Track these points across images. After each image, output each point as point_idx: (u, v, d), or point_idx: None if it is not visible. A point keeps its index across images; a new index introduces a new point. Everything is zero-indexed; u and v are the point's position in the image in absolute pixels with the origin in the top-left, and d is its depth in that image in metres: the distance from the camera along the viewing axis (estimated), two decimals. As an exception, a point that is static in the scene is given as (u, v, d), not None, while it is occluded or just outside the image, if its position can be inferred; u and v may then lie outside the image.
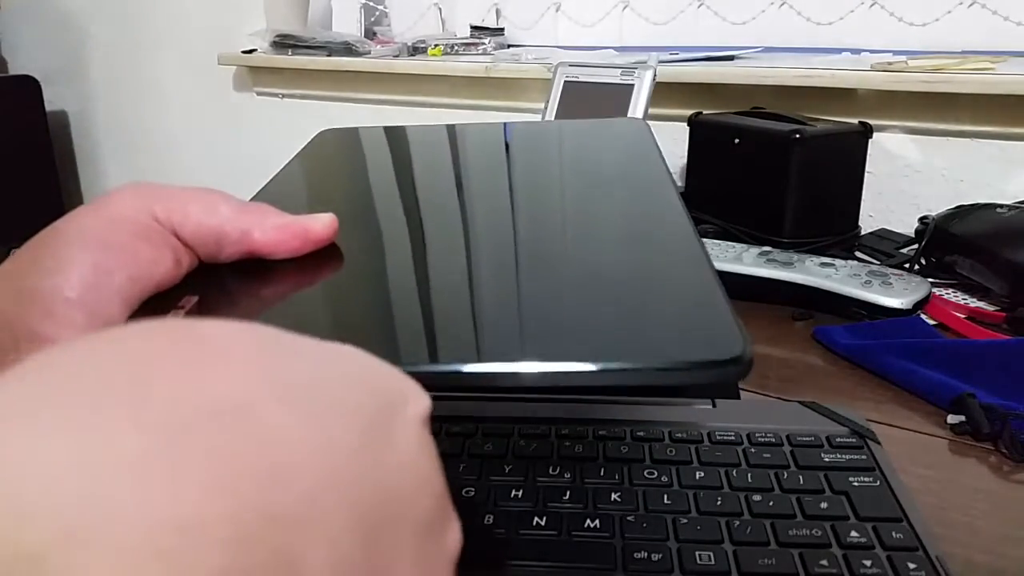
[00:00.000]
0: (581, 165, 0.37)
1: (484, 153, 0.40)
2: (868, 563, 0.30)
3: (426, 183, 0.36)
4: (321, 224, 0.26)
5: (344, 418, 0.15)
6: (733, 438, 0.39)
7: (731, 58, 0.93)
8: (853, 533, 0.32)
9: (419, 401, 0.18)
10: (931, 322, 0.57)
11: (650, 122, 0.72)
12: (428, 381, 0.20)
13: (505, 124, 0.43)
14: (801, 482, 0.36)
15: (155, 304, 0.24)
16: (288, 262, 0.26)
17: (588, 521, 0.33)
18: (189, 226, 0.25)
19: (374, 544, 0.15)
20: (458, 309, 0.24)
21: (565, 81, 0.78)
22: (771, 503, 0.34)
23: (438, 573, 0.17)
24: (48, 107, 1.57)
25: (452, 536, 0.18)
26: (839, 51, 0.93)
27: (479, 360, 0.22)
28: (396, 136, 0.42)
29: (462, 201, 0.34)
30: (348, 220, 0.28)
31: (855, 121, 0.74)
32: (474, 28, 1.21)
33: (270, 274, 0.26)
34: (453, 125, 0.43)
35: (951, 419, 0.44)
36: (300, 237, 0.26)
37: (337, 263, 0.26)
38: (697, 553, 0.31)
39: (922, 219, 0.70)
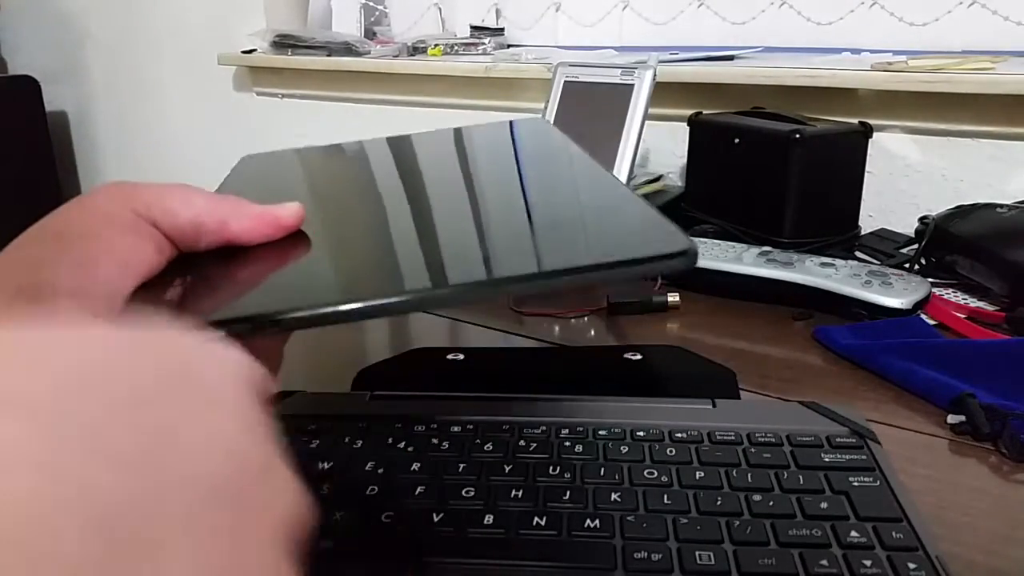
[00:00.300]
0: (497, 157, 0.41)
1: (424, 158, 0.42)
2: (868, 563, 0.30)
3: (365, 183, 0.39)
4: (289, 212, 0.29)
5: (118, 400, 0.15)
6: (733, 438, 0.39)
7: (731, 58, 0.93)
8: (853, 533, 0.32)
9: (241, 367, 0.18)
10: (931, 322, 0.57)
11: (650, 122, 0.72)
12: (417, 301, 0.23)
13: (411, 136, 0.45)
14: (801, 482, 0.36)
15: (142, 292, 0.25)
16: (258, 246, 0.28)
17: (588, 521, 0.33)
18: (169, 219, 0.27)
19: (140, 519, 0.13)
20: (431, 248, 0.27)
21: (565, 81, 0.78)
22: (771, 503, 0.34)
23: (250, 549, 0.15)
24: (48, 107, 1.57)
25: (276, 507, 0.16)
26: (839, 51, 0.93)
27: (468, 275, 0.25)
28: (320, 155, 0.44)
29: (410, 188, 0.36)
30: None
31: (855, 121, 0.74)
32: (474, 28, 1.21)
33: (243, 258, 0.28)
34: (382, 139, 0.45)
35: (951, 419, 0.44)
36: (272, 225, 0.28)
37: (305, 244, 0.29)
38: (697, 553, 0.31)
39: (922, 219, 0.70)
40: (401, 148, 0.43)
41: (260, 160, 0.43)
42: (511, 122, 0.45)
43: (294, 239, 0.29)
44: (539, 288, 0.24)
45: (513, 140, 0.43)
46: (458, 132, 0.45)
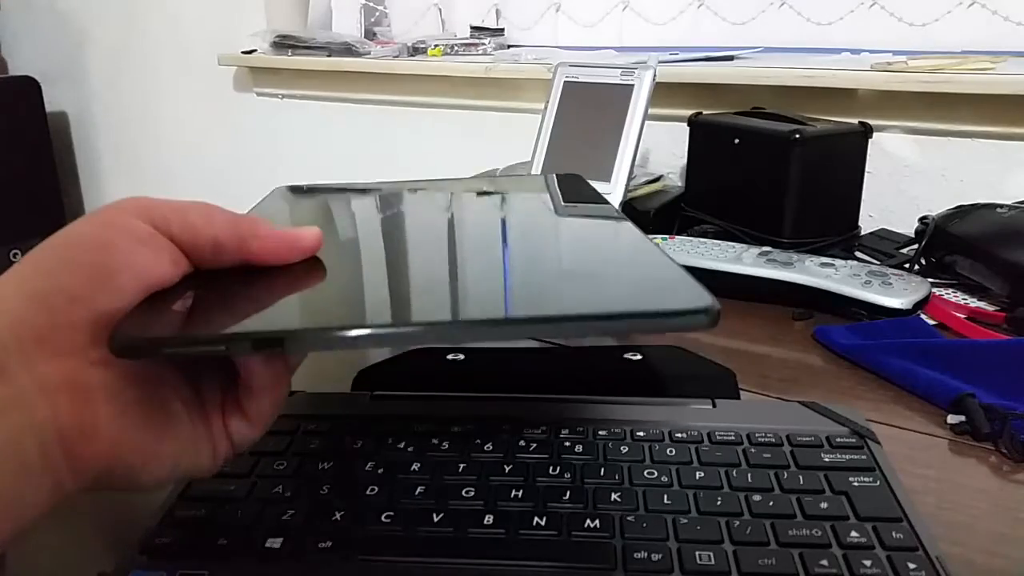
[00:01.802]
0: (522, 205, 0.42)
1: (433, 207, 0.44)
2: (868, 563, 0.30)
3: (391, 221, 0.40)
4: (309, 235, 0.29)
5: None
6: (733, 438, 0.39)
7: (731, 58, 0.93)
8: (853, 533, 0.32)
9: None
10: (931, 322, 0.57)
11: (650, 122, 0.72)
12: (423, 333, 0.24)
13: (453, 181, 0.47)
14: (801, 482, 0.36)
15: (153, 299, 0.25)
16: (275, 268, 0.28)
17: (588, 521, 0.33)
18: (188, 234, 0.27)
19: None
20: (446, 286, 0.28)
21: (565, 81, 0.78)
22: (771, 503, 0.34)
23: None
24: (48, 107, 1.57)
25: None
26: (839, 51, 0.93)
27: (490, 313, 0.25)
28: (354, 195, 0.44)
29: (429, 233, 0.37)
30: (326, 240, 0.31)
31: (855, 121, 0.74)
32: (474, 28, 1.21)
33: (258, 278, 0.28)
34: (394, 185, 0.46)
35: (951, 419, 0.44)
36: (291, 247, 0.28)
37: (320, 271, 0.29)
38: (697, 553, 0.31)
39: (922, 219, 0.70)
40: (432, 193, 0.44)
41: (291, 193, 0.43)
42: (547, 176, 0.46)
43: (310, 265, 0.29)
44: (551, 332, 0.24)
45: (547, 191, 0.44)
46: (491, 180, 0.45)
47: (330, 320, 0.25)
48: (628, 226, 0.34)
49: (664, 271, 0.28)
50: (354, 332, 0.23)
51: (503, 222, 0.37)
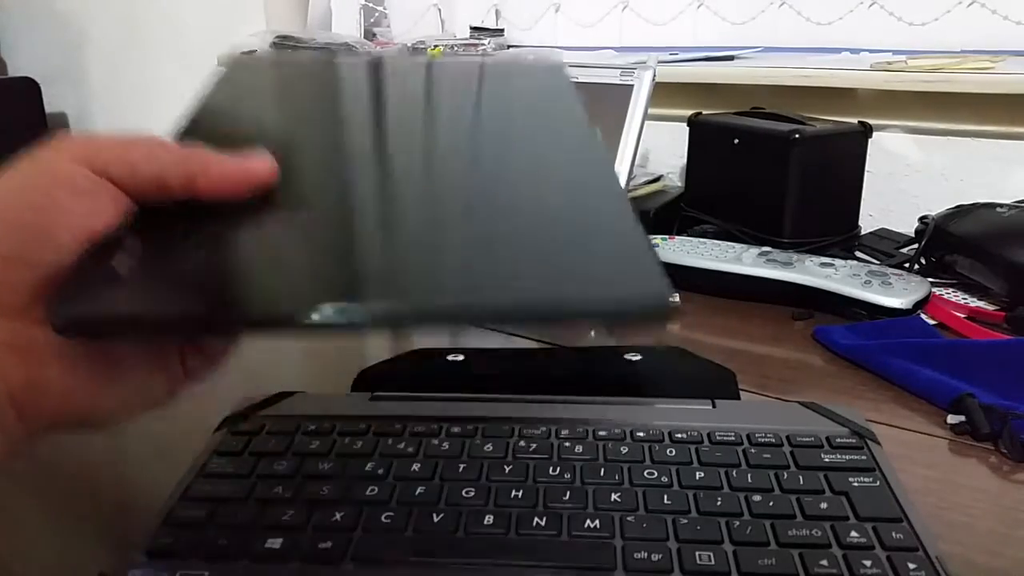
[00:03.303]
0: (500, 106, 0.37)
1: (406, 91, 0.39)
2: (868, 563, 0.30)
3: (348, 120, 0.36)
4: (261, 171, 0.27)
5: None
6: (733, 438, 0.39)
7: (731, 58, 0.93)
8: (853, 533, 0.32)
9: None
10: (931, 322, 0.57)
11: (650, 122, 0.72)
12: (358, 320, 0.21)
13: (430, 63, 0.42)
14: (801, 482, 0.36)
15: (93, 253, 0.24)
16: (222, 205, 0.27)
17: (588, 521, 0.33)
18: (129, 176, 0.25)
19: None
20: (394, 251, 0.25)
21: (565, 81, 0.78)
22: (771, 503, 0.34)
23: None
24: (48, 108, 1.57)
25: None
26: (839, 51, 0.93)
27: (437, 294, 0.22)
28: (313, 69, 0.41)
29: (383, 141, 0.33)
30: (279, 157, 0.28)
31: (855, 121, 0.74)
32: (474, 29, 1.21)
33: (202, 223, 0.26)
34: (375, 59, 0.42)
35: (951, 419, 0.44)
36: (243, 183, 0.27)
37: (272, 204, 0.27)
38: (697, 553, 0.31)
39: (922, 219, 0.70)
40: (397, 79, 0.39)
41: (251, 70, 0.39)
42: (529, 64, 0.42)
43: (262, 201, 0.27)
44: (472, 321, 0.22)
45: (522, 92, 0.39)
46: (473, 67, 0.41)
47: (275, 301, 0.23)
48: (592, 151, 0.31)
49: (619, 237, 0.25)
50: (287, 325, 0.21)
51: (464, 143, 0.33)
